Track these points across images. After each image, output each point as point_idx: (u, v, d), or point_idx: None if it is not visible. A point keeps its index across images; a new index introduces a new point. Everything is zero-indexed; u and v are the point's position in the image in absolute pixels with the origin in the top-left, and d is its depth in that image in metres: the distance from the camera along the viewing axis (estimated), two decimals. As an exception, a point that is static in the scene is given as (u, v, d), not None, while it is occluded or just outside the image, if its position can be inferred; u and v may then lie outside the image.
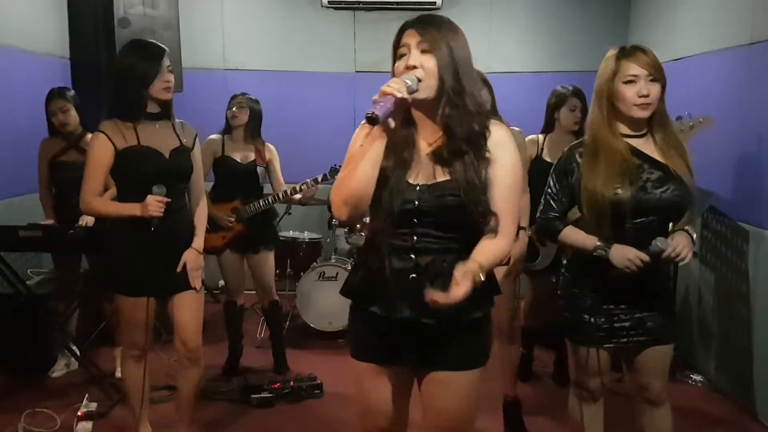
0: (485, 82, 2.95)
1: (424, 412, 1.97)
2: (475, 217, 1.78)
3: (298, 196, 3.86)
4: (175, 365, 3.15)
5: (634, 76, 2.17)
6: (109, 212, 2.67)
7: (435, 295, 1.67)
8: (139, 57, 2.62)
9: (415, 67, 1.75)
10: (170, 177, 2.67)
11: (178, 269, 2.69)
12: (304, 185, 3.82)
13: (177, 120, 2.79)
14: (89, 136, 3.73)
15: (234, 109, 3.82)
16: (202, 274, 2.78)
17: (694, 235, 2.25)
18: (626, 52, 2.22)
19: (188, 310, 2.76)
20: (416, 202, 1.78)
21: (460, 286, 1.66)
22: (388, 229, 1.81)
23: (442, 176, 1.79)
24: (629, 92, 2.18)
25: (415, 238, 1.80)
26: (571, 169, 2.29)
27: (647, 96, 2.17)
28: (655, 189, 2.20)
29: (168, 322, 2.84)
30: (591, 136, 2.27)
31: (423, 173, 1.81)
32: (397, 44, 1.83)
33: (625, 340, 2.31)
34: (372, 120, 1.64)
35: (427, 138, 1.84)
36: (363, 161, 1.73)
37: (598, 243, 2.23)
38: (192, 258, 2.71)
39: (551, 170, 2.39)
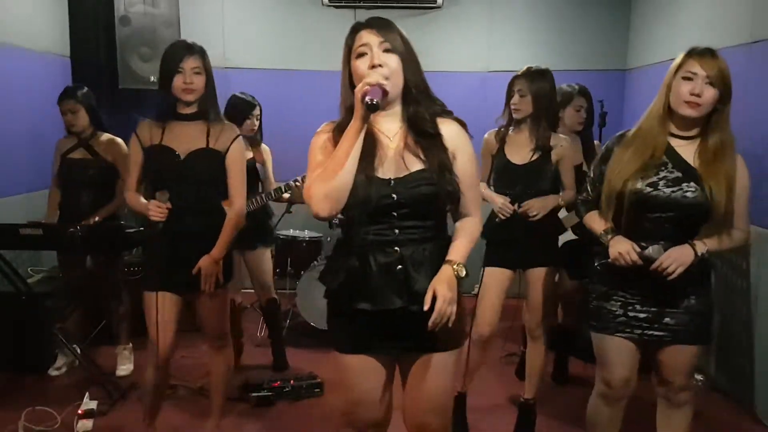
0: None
1: (410, 396, 2.04)
2: (448, 199, 1.91)
3: (289, 193, 3.87)
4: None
5: (693, 73, 2.19)
6: (134, 208, 2.78)
7: (433, 321, 1.81)
8: (166, 56, 2.72)
9: (380, 66, 1.84)
10: (181, 178, 2.69)
11: (194, 272, 2.70)
12: (297, 183, 3.82)
13: (223, 123, 2.78)
14: (102, 136, 3.78)
15: (256, 121, 3.82)
16: (220, 277, 2.74)
17: (702, 251, 2.22)
18: (696, 51, 2.23)
19: (207, 306, 2.82)
20: (394, 196, 1.86)
21: (440, 298, 1.80)
22: (366, 227, 1.88)
23: (414, 167, 1.88)
24: (683, 88, 2.19)
25: (396, 231, 1.88)
26: (608, 157, 2.35)
27: (699, 96, 2.16)
28: (666, 188, 2.22)
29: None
30: (638, 126, 2.31)
31: (391, 167, 1.89)
32: (351, 44, 1.91)
33: (639, 332, 2.31)
34: (374, 107, 1.73)
35: (387, 133, 1.92)
36: (343, 156, 1.78)
37: (605, 230, 2.30)
38: (206, 265, 2.70)
39: (595, 157, 2.47)
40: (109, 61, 4.85)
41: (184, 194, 2.69)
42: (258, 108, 3.84)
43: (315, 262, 4.60)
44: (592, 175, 2.44)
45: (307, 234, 4.93)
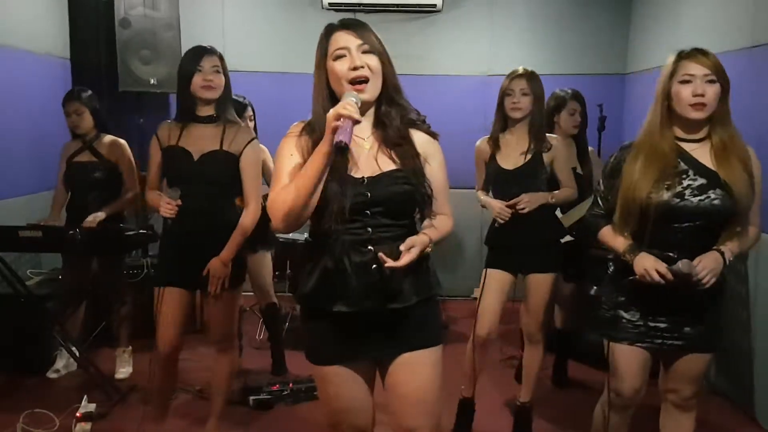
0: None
1: (392, 399, 2.00)
2: (423, 201, 1.90)
3: None
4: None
5: (691, 75, 2.14)
6: (150, 204, 2.88)
7: (388, 262, 1.77)
8: (184, 58, 2.79)
9: (362, 67, 1.83)
10: (195, 179, 2.74)
11: (204, 273, 2.73)
12: None
13: (239, 125, 2.81)
14: (104, 137, 3.80)
15: (249, 122, 3.81)
16: (225, 282, 2.76)
17: (730, 257, 2.18)
18: (686, 53, 2.18)
19: (214, 307, 2.84)
20: (368, 194, 1.84)
21: (410, 253, 1.79)
22: (341, 226, 1.83)
23: (387, 167, 1.88)
24: (685, 92, 2.14)
25: (370, 230, 1.86)
26: (618, 169, 2.29)
27: (702, 96, 2.12)
28: (693, 197, 2.17)
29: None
30: (641, 136, 2.26)
31: (364, 167, 1.88)
32: (326, 46, 1.90)
33: (659, 341, 2.28)
34: (343, 149, 1.67)
35: (360, 134, 1.90)
36: (310, 180, 1.74)
37: (627, 248, 2.23)
38: (214, 267, 2.73)
39: (603, 169, 2.39)
40: (109, 64, 4.86)
41: (197, 195, 2.74)
42: (249, 108, 3.82)
43: (314, 265, 4.59)
44: (601, 188, 2.37)
45: (306, 236, 4.92)
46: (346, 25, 1.90)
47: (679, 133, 2.23)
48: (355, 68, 1.82)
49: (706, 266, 2.13)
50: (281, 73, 5.59)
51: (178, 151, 2.75)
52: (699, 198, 2.17)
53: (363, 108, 1.85)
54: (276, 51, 5.61)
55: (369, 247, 1.84)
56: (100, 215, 3.64)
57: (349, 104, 1.72)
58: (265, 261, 3.92)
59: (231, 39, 5.54)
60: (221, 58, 2.80)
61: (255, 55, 5.58)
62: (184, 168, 2.75)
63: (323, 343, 1.96)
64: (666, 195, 2.16)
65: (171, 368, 2.90)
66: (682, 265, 2.14)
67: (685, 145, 2.22)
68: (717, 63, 2.16)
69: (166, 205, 2.69)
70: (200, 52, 2.76)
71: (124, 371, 3.92)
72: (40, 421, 3.25)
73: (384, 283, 1.84)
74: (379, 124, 1.93)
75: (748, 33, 3.63)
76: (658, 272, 2.14)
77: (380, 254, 1.78)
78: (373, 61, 1.85)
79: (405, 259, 1.78)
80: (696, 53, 2.17)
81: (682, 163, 2.19)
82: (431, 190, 1.93)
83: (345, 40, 1.87)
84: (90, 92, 3.83)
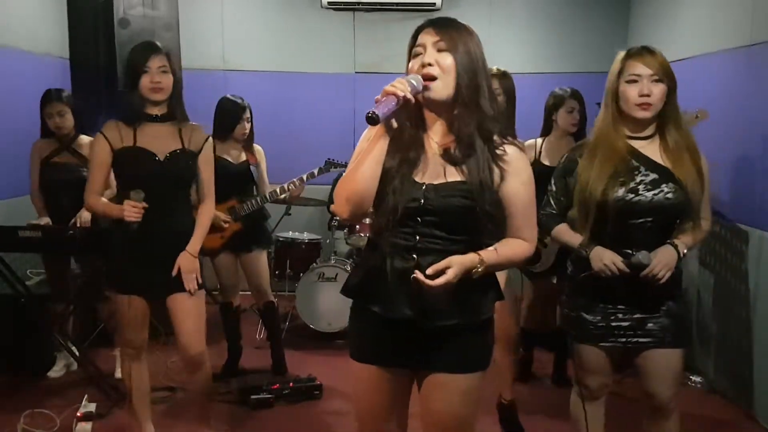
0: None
1: (423, 414, 1.94)
2: (481, 219, 1.75)
3: (284, 195, 3.87)
4: (174, 366, 3.15)
5: (637, 75, 2.18)
6: (100, 211, 2.74)
7: (419, 276, 1.68)
8: (131, 57, 2.68)
9: (430, 65, 1.74)
10: (163, 180, 2.67)
11: (173, 273, 2.66)
12: (291, 184, 3.82)
13: (191, 123, 2.76)
14: (83, 138, 3.77)
15: (247, 124, 3.80)
16: (198, 278, 2.72)
17: (683, 250, 2.22)
18: (633, 52, 2.22)
19: (187, 314, 2.73)
20: (422, 201, 1.76)
21: (445, 275, 1.68)
22: (390, 228, 1.78)
23: (453, 177, 1.77)
24: (631, 92, 2.18)
25: (417, 237, 1.78)
26: (570, 169, 2.33)
27: (648, 96, 2.16)
28: (647, 191, 2.20)
29: (168, 321, 2.83)
30: (595, 135, 2.29)
31: (430, 172, 1.79)
32: (413, 45, 1.82)
33: (623, 340, 2.30)
34: (372, 120, 1.63)
35: (439, 138, 1.82)
36: (364, 160, 1.75)
37: (584, 241, 2.27)
38: (185, 261, 2.67)
39: (555, 170, 2.42)
40: (108, 64, 4.85)
41: (163, 196, 2.66)
42: (248, 110, 3.81)
43: (314, 264, 4.60)
44: (554, 188, 2.40)
45: (306, 236, 4.93)
46: (430, 23, 1.81)
47: (628, 131, 2.26)
48: (422, 66, 1.75)
49: (660, 261, 2.18)
50: (280, 72, 5.60)
51: (139, 152, 2.64)
52: (653, 192, 2.20)
53: (437, 109, 1.80)
54: (275, 50, 5.61)
55: (413, 255, 1.76)
56: (87, 214, 3.60)
57: (400, 82, 1.68)
58: (260, 260, 3.91)
59: (230, 38, 5.54)
60: (168, 55, 2.69)
61: (254, 54, 5.59)
62: (150, 169, 2.64)
63: (361, 339, 1.93)
64: (621, 191, 2.20)
65: (138, 369, 2.83)
66: (641, 256, 2.17)
67: (635, 143, 2.26)
68: (664, 63, 2.20)
69: (131, 208, 2.56)
70: (147, 52, 2.64)
71: (123, 371, 3.92)
72: (40, 421, 3.25)
73: (421, 296, 1.75)
74: (452, 128, 1.80)
75: (746, 31, 3.63)
76: (616, 266, 2.18)
77: (416, 272, 1.69)
78: (447, 59, 1.74)
79: (438, 281, 1.68)
80: (643, 53, 2.20)
81: (633, 161, 2.23)
82: (500, 208, 1.79)
83: (424, 37, 1.78)
84: (69, 92, 3.79)
